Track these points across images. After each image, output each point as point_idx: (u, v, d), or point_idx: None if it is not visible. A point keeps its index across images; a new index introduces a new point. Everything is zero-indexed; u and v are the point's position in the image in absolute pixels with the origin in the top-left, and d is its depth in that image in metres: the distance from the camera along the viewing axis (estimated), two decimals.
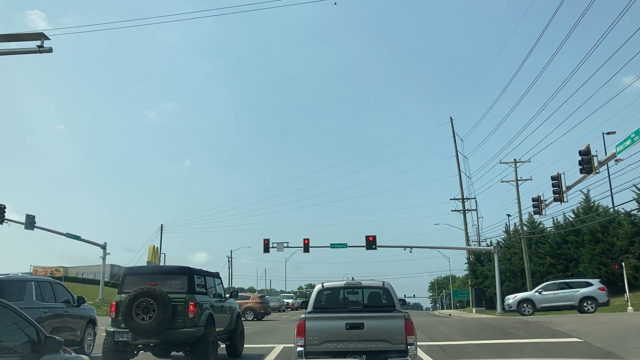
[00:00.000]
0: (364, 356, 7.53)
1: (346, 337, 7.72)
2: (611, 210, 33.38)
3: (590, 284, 26.34)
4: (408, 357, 7.63)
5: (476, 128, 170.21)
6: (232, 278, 78.43)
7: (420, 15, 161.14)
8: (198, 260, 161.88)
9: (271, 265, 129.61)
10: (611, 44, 42.48)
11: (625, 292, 25.29)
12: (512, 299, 28.27)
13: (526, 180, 34.35)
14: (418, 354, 11.45)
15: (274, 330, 20.99)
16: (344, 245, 40.46)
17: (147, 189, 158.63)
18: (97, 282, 54.55)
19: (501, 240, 43.42)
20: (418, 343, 12.83)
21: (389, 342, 7.70)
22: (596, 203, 34.91)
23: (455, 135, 48.16)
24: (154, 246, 53.81)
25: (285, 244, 40.77)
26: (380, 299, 8.87)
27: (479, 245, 45.95)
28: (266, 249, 40.16)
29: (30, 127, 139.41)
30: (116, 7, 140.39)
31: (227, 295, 12.92)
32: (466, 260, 48.14)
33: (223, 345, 12.34)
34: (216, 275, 12.27)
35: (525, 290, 32.90)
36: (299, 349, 7.78)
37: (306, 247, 39.31)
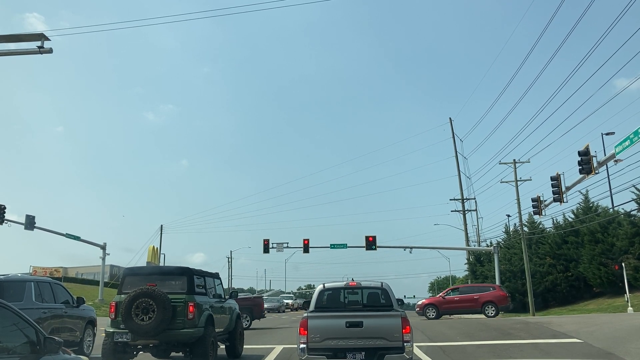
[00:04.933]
0: (363, 353, 8.08)
1: (346, 334, 8.20)
2: (611, 210, 33.36)
3: None
4: (404, 354, 8.10)
5: (475, 129, 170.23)
6: (231, 279, 78.56)
7: (419, 16, 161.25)
8: (196, 260, 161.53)
9: (271, 266, 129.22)
10: (610, 45, 42.53)
11: (626, 293, 25.27)
12: None
13: (526, 180, 34.27)
14: (418, 354, 11.50)
15: (274, 331, 20.98)
16: (344, 246, 40.44)
17: (147, 189, 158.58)
18: (96, 283, 54.56)
19: (501, 240, 43.36)
20: (418, 344, 12.93)
21: (387, 339, 8.15)
22: (596, 203, 34.91)
23: (455, 135, 48.25)
24: (153, 246, 53.82)
25: (285, 245, 40.74)
26: (378, 299, 9.35)
27: (479, 245, 45.93)
28: (266, 249, 40.14)
29: (29, 128, 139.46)
30: (115, 9, 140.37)
31: (227, 296, 12.91)
32: (466, 261, 48.13)
33: (223, 346, 12.34)
34: (216, 276, 12.26)
35: (526, 292, 32.90)
36: (302, 345, 8.29)
37: (306, 248, 39.30)
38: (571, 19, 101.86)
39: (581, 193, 34.55)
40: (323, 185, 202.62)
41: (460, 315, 28.22)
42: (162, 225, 61.69)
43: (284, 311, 48.37)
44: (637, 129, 17.57)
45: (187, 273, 10.52)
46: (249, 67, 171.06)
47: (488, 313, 26.73)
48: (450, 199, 47.07)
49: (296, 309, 50.91)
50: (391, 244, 42.81)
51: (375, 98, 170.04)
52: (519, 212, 34.19)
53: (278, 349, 13.49)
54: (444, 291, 31.50)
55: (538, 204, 28.58)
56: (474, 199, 47.17)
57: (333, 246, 40.46)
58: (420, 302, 30.38)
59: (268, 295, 60.29)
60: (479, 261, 45.68)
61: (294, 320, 26.39)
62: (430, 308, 28.25)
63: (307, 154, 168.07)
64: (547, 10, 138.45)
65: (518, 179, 33.81)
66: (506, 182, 34.41)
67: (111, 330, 9.99)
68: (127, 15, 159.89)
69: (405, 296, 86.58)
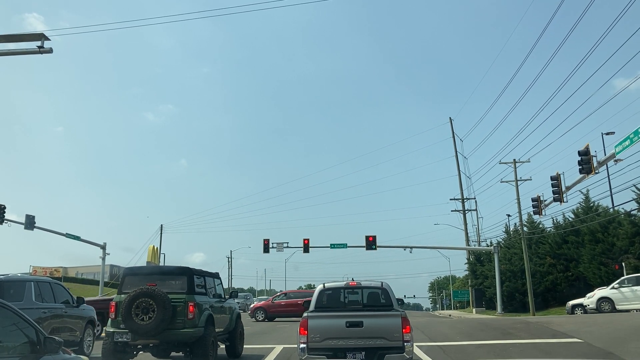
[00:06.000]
0: (363, 352, 8.06)
1: (346, 334, 8.18)
2: (611, 210, 33.35)
3: None
4: (405, 354, 8.08)
5: (475, 128, 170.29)
6: (231, 278, 78.53)
7: (418, 17, 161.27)
8: (196, 260, 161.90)
9: (271, 266, 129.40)
10: (609, 45, 42.43)
11: None
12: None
13: (526, 180, 34.28)
14: (418, 354, 11.50)
15: (274, 330, 20.96)
16: (344, 246, 40.43)
17: (147, 189, 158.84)
18: (96, 283, 54.62)
19: (501, 240, 43.35)
20: (418, 344, 12.92)
21: (387, 339, 8.14)
22: (596, 203, 34.89)
23: (455, 135, 48.15)
24: (153, 246, 53.70)
25: (285, 244, 40.74)
26: (379, 299, 9.33)
27: (479, 245, 45.93)
28: (266, 249, 40.14)
29: (29, 128, 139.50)
30: (115, 9, 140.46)
31: (227, 296, 12.91)
32: (466, 261, 48.07)
33: (223, 346, 12.33)
34: (216, 276, 12.25)
35: (526, 291, 32.90)
36: (302, 345, 8.26)
37: (306, 248, 39.27)
38: (570, 20, 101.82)
39: (582, 193, 34.55)
40: (323, 185, 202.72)
41: (287, 318, 27.41)
42: (162, 225, 61.77)
43: None
44: (637, 128, 17.59)
45: (187, 273, 10.51)
46: (248, 67, 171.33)
47: None
48: (451, 199, 47.05)
49: None
50: (391, 244, 42.71)
51: (375, 98, 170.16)
52: (519, 212, 34.20)
53: (278, 349, 13.48)
54: (274, 295, 33.88)
55: (538, 204, 28.58)
56: (474, 198, 47.16)
57: (333, 246, 40.45)
58: (252, 305, 31.88)
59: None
60: (479, 261, 45.68)
61: (294, 321, 26.38)
62: (260, 311, 28.97)
63: (306, 154, 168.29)
64: (547, 11, 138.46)
65: (518, 178, 33.82)
66: (506, 181, 34.44)
67: (111, 330, 9.97)
68: (126, 16, 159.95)
69: (405, 296, 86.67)
